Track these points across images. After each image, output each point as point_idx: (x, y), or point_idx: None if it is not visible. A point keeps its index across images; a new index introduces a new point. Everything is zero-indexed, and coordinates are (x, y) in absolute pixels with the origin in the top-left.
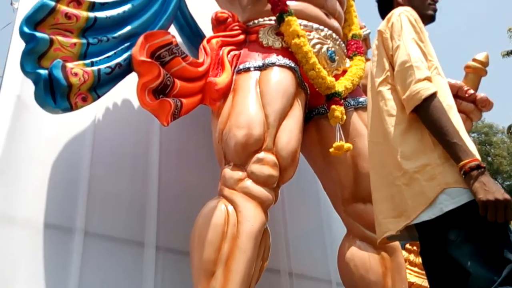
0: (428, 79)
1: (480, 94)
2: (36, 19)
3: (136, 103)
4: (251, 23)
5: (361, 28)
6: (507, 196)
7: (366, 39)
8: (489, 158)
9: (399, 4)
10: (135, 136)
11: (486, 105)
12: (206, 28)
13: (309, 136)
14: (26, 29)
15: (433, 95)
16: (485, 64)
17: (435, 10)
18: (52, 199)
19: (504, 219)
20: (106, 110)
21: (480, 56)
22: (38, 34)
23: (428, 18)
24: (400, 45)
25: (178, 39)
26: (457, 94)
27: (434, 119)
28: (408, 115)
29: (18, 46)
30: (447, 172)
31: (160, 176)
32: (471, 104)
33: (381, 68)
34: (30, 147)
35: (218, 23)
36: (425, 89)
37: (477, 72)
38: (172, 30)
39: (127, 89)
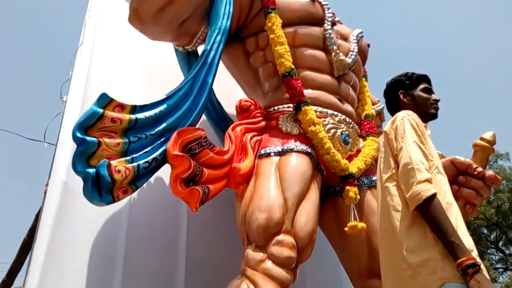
0: (428, 180)
1: (488, 171)
2: (87, 125)
3: (168, 181)
4: (271, 109)
5: (374, 104)
6: None
7: (380, 113)
8: None
9: (404, 103)
10: (166, 213)
11: (494, 182)
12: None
13: (327, 213)
14: (78, 134)
15: (433, 196)
16: (492, 142)
17: (437, 109)
18: (91, 277)
19: None
20: (141, 189)
21: (487, 135)
22: (88, 138)
23: (431, 116)
24: (403, 147)
25: (206, 123)
26: (466, 171)
27: (434, 219)
28: (411, 212)
29: (66, 137)
30: (447, 267)
31: (188, 251)
32: (480, 181)
33: (387, 166)
34: (74, 229)
35: (242, 111)
36: (426, 191)
37: (484, 151)
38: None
39: (161, 169)
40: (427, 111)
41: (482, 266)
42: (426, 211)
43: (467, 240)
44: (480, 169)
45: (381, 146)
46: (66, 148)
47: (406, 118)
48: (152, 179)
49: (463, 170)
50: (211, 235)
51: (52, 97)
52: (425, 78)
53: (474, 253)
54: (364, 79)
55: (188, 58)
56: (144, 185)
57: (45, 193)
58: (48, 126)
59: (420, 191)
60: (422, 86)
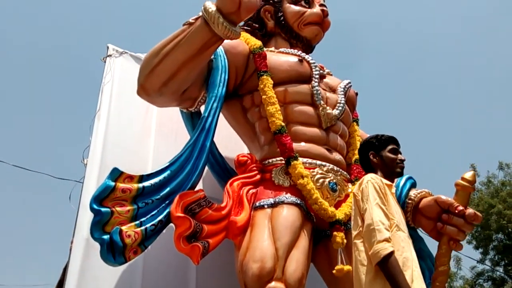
0: (387, 239)
1: (469, 209)
2: (101, 197)
3: None
4: (266, 162)
5: None
6: None
7: None
8: None
9: (374, 163)
10: (177, 260)
11: (474, 219)
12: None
13: (320, 255)
14: (94, 206)
15: (390, 254)
16: (472, 182)
17: (402, 168)
18: None
19: None
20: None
21: (468, 175)
22: (102, 209)
23: (396, 174)
24: (367, 208)
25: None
26: (449, 209)
27: (391, 274)
28: (374, 267)
29: (87, 198)
30: None
31: None
32: (461, 219)
33: (356, 224)
34: (96, 280)
35: (240, 165)
36: (384, 249)
37: (465, 190)
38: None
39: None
40: (393, 170)
41: None
42: (384, 267)
43: None
44: (460, 207)
45: (352, 204)
46: (88, 208)
47: (370, 181)
48: (164, 230)
49: (445, 208)
50: (219, 281)
51: (74, 162)
52: (392, 140)
53: None
54: (355, 123)
55: (192, 118)
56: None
57: (70, 249)
58: (72, 189)
59: (379, 249)
60: (390, 147)
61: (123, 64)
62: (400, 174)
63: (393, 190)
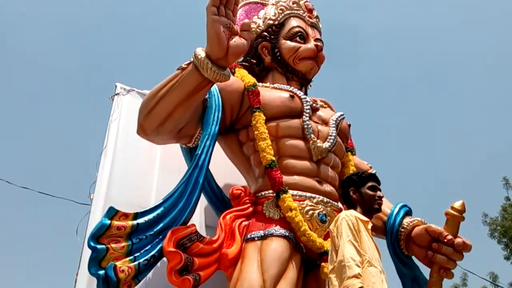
0: (356, 276)
1: (458, 238)
2: (97, 235)
3: None
4: (259, 194)
5: (366, 171)
6: None
7: None
8: None
9: (354, 199)
10: None
11: (463, 248)
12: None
13: (310, 284)
14: (91, 243)
15: None
16: (461, 211)
17: (380, 205)
18: None
19: None
20: (156, 269)
21: (457, 205)
22: (99, 246)
23: (375, 211)
24: (340, 245)
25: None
26: (438, 238)
27: None
28: None
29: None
30: None
31: None
32: (450, 248)
33: (332, 259)
34: None
35: (234, 198)
36: (352, 286)
37: (455, 219)
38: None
39: None
40: (371, 207)
41: None
42: None
43: None
44: (449, 236)
45: (330, 240)
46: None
47: (345, 219)
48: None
49: (435, 237)
50: None
51: (80, 196)
52: (372, 177)
53: None
54: (349, 153)
55: (190, 153)
56: (159, 264)
57: (75, 281)
58: (79, 223)
59: (348, 285)
60: (369, 184)
61: (130, 101)
62: (378, 211)
63: (369, 226)
